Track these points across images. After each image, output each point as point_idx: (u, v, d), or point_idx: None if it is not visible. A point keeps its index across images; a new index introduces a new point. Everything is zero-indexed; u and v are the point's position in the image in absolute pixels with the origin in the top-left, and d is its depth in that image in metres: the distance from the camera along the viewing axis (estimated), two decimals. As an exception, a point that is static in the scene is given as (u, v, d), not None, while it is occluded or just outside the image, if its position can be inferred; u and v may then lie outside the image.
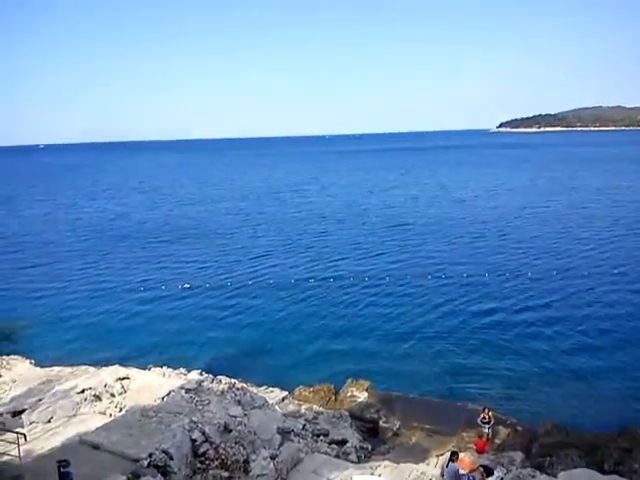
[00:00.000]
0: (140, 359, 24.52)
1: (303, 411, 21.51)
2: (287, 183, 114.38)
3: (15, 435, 13.96)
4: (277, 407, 20.61)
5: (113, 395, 17.91)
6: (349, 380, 24.47)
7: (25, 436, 14.30)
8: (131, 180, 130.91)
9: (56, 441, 14.73)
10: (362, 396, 23.35)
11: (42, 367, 21.93)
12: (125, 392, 18.04)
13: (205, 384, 19.18)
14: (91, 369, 21.28)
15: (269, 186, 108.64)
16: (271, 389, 23.69)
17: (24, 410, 17.31)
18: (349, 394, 23.64)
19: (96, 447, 13.83)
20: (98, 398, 17.80)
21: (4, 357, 20.72)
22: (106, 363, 21.54)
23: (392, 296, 36.59)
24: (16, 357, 21.89)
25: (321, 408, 22.08)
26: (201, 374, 20.68)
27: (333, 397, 23.77)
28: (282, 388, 23.85)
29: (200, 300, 37.30)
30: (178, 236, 58.12)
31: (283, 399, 22.90)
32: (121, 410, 16.91)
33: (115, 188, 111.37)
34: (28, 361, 22.30)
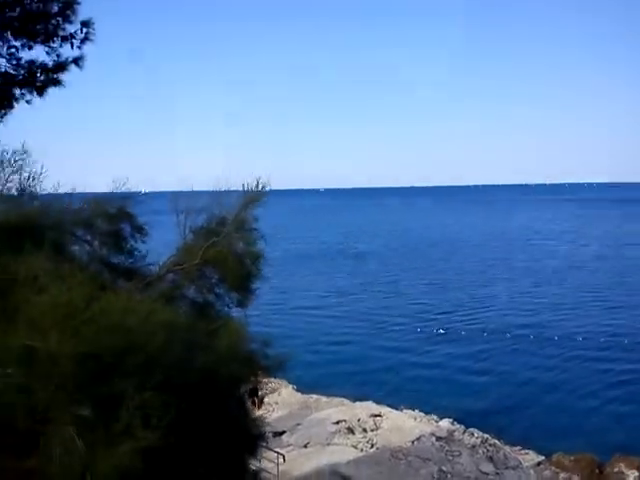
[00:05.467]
0: (392, 399, 24.43)
1: (561, 480, 19.35)
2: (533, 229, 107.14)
3: (275, 455, 14.71)
4: (532, 471, 18.86)
5: (365, 430, 18.06)
6: (616, 454, 21.38)
7: (284, 457, 14.97)
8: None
9: (309, 466, 15.19)
10: (632, 476, 20.22)
11: (302, 393, 23.15)
12: (377, 429, 18.07)
13: (456, 434, 18.40)
14: (346, 401, 21.85)
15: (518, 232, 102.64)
16: (525, 451, 21.73)
17: (284, 432, 18.29)
18: (616, 470, 20.64)
19: (347, 479, 13.91)
20: (351, 431, 18.07)
21: (272, 380, 22.32)
22: (360, 398, 21.92)
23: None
24: (281, 381, 23.45)
25: (582, 481, 19.60)
26: (452, 423, 19.93)
27: (597, 470, 20.92)
28: (538, 452, 21.71)
29: (455, 347, 36.34)
30: (434, 280, 57.93)
31: (539, 464, 20.89)
32: (372, 446, 16.92)
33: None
34: (291, 386, 23.73)
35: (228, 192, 7.84)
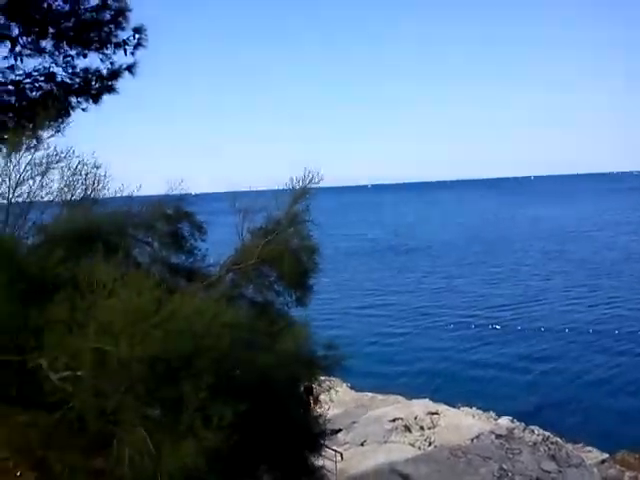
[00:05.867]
0: (449, 396, 24.12)
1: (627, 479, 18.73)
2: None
3: (333, 452, 14.70)
4: (595, 469, 18.32)
5: (422, 428, 17.89)
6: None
7: (342, 455, 14.95)
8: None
9: (367, 465, 15.14)
10: None
11: (357, 391, 23.08)
12: (434, 427, 17.87)
13: (516, 432, 18.05)
14: (401, 399, 21.67)
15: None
16: (588, 448, 21.12)
17: (340, 430, 18.26)
18: (688, 467, 19.85)
19: (405, 477, 13.81)
20: (408, 429, 17.93)
21: (327, 378, 22.32)
22: (417, 396, 21.72)
23: None
24: (335, 379, 23.42)
25: (650, 480, 18.93)
26: (512, 421, 19.53)
27: (666, 469, 20.19)
28: (601, 450, 21.06)
29: (512, 343, 35.69)
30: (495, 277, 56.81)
31: (603, 462, 20.27)
32: (430, 444, 16.75)
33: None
34: (345, 384, 23.69)
35: (282, 191, 7.86)
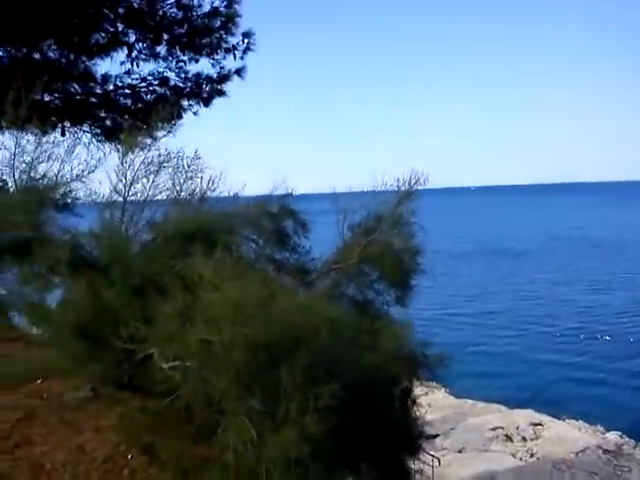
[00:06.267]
0: (553, 407, 23.13)
1: None
2: None
3: (429, 457, 14.49)
4: None
5: (524, 439, 17.31)
6: None
7: (439, 460, 14.71)
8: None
9: (466, 472, 14.81)
10: None
11: (456, 397, 22.62)
12: (537, 438, 17.24)
13: (626, 448, 17.09)
14: (503, 408, 21.05)
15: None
16: None
17: (437, 435, 17.97)
18: None
19: (506, 488, 13.40)
20: (509, 439, 17.40)
21: (426, 383, 22.05)
22: (519, 405, 21.01)
23: None
24: (434, 384, 23.08)
25: None
26: (621, 437, 18.46)
27: None
28: None
29: (622, 355, 33.69)
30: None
31: None
32: (532, 456, 16.18)
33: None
34: (444, 389, 23.28)
35: (385, 192, 7.83)
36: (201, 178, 6.95)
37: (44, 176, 6.58)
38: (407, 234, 7.48)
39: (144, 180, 6.61)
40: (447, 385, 23.62)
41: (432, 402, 21.36)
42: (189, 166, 6.81)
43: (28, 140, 6.67)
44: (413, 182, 7.61)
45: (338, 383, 4.22)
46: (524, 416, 18.64)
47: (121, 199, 6.51)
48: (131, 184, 6.55)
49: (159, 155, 6.70)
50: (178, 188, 6.80)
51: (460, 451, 16.77)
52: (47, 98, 11.45)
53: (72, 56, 11.27)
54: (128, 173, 6.54)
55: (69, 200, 6.66)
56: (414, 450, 7.08)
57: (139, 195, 6.61)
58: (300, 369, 4.15)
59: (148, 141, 6.80)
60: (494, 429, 17.67)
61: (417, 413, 7.77)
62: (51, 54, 11.13)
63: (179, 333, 4.68)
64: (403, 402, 7.34)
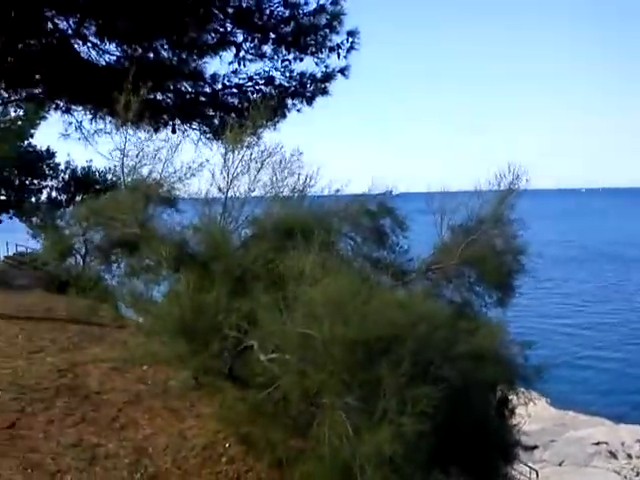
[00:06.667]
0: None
1: None
2: None
3: (527, 469, 14.01)
4: None
5: (630, 456, 16.36)
6: None
7: (537, 472, 14.20)
8: None
9: (565, 486, 14.19)
10: None
11: (557, 409, 21.67)
12: (645, 456, 16.22)
13: None
14: (607, 422, 19.96)
15: None
16: None
17: (536, 447, 17.30)
18: None
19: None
20: (613, 455, 16.50)
21: (525, 392, 21.28)
22: (625, 420, 19.85)
23: None
24: (534, 393, 22.22)
25: None
26: None
27: None
28: None
29: None
30: None
31: None
32: (638, 475, 15.25)
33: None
34: (544, 399, 22.37)
35: (485, 192, 7.61)
36: (301, 175, 7.05)
37: (151, 173, 6.91)
38: (509, 235, 7.25)
39: (245, 177, 6.77)
40: (548, 395, 22.69)
41: (531, 412, 20.60)
42: (290, 163, 6.92)
43: (139, 138, 7.03)
44: (514, 182, 7.34)
45: (436, 385, 4.17)
46: (631, 432, 17.58)
47: (222, 195, 6.70)
48: (232, 180, 6.73)
49: (261, 152, 6.85)
50: (279, 185, 6.92)
51: (560, 464, 16.09)
52: (159, 97, 11.96)
53: (183, 55, 11.69)
54: (231, 170, 6.72)
55: (174, 197, 6.96)
56: (509, 459, 6.86)
57: (240, 191, 6.78)
58: (402, 370, 4.12)
59: (252, 139, 6.95)
60: (597, 444, 16.80)
61: (514, 421, 7.54)
62: (164, 53, 11.58)
63: (279, 326, 4.77)
64: (500, 409, 7.13)
